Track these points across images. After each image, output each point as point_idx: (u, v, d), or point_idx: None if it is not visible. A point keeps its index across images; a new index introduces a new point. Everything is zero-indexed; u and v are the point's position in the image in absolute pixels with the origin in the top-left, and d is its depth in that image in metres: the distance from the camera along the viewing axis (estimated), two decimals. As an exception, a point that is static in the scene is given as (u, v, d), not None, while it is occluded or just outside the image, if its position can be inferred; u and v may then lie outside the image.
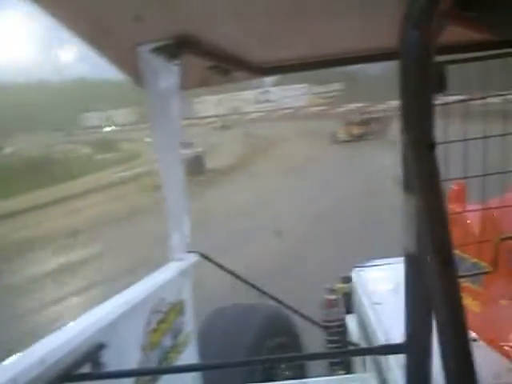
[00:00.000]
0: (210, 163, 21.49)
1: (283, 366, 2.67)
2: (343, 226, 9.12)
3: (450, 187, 1.94)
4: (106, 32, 1.43)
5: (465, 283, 1.66)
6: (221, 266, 2.21)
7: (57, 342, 1.23)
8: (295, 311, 2.60)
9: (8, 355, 1.15)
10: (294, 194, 13.05)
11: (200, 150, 21.30)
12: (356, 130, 25.15)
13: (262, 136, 28.93)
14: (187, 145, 18.83)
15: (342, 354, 2.63)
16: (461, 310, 0.70)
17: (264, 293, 2.38)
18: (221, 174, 19.97)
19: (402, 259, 0.98)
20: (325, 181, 14.17)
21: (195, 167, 18.64)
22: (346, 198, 11.62)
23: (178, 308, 1.99)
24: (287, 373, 2.67)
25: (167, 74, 1.65)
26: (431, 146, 0.69)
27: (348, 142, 24.15)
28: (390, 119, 21.65)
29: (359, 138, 24.39)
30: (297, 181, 15.32)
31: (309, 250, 7.97)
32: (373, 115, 26.47)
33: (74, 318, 1.37)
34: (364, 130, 25.09)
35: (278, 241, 8.78)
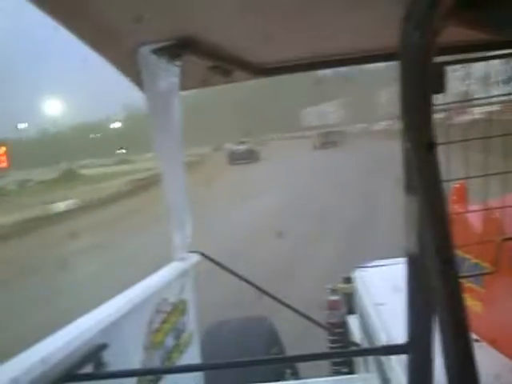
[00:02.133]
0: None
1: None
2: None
3: (452, 187, 1.94)
4: (107, 33, 1.43)
5: (466, 284, 1.66)
6: (222, 266, 2.21)
7: (59, 342, 1.23)
8: (296, 311, 2.59)
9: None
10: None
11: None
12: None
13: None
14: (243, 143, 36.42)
15: (344, 355, 2.63)
16: (462, 310, 0.70)
17: (265, 293, 2.38)
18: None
19: (403, 259, 0.98)
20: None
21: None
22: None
23: (180, 308, 1.99)
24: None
25: (168, 75, 1.66)
26: (431, 146, 0.69)
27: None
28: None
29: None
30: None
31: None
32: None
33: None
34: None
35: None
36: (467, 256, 1.70)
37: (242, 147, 35.88)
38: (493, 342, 1.47)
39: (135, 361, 1.60)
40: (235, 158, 33.96)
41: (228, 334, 2.72)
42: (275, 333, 2.84)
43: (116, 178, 31.26)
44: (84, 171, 40.89)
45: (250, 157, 33.80)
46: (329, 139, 38.03)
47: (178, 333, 1.97)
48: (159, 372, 1.75)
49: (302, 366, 2.80)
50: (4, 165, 32.91)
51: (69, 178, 36.08)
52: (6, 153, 32.83)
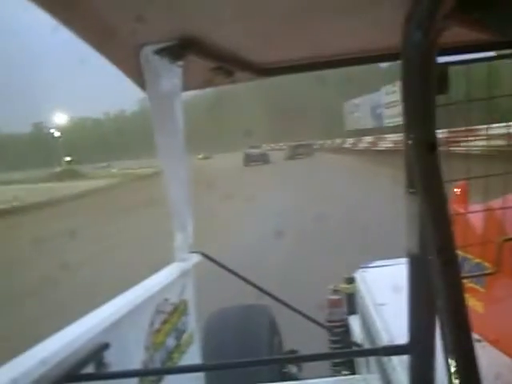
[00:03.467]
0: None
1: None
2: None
3: (453, 188, 1.94)
4: (109, 33, 1.43)
5: (468, 284, 1.66)
6: (223, 266, 2.21)
7: (60, 342, 1.23)
8: (296, 311, 2.59)
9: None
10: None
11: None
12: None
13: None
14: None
15: (346, 355, 2.63)
16: (464, 310, 0.70)
17: (264, 292, 2.38)
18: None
19: (405, 260, 0.98)
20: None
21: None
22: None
23: (181, 308, 1.99)
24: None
25: (170, 76, 1.66)
26: (433, 146, 0.69)
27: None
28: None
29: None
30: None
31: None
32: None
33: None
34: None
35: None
36: (469, 256, 1.70)
37: (255, 151, 42.27)
38: (495, 342, 1.46)
39: (136, 361, 1.60)
40: (250, 160, 40.26)
41: (231, 320, 2.71)
42: (275, 322, 2.83)
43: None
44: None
45: (262, 159, 40.61)
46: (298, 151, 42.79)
47: (179, 333, 1.97)
48: (160, 372, 1.75)
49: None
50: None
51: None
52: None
